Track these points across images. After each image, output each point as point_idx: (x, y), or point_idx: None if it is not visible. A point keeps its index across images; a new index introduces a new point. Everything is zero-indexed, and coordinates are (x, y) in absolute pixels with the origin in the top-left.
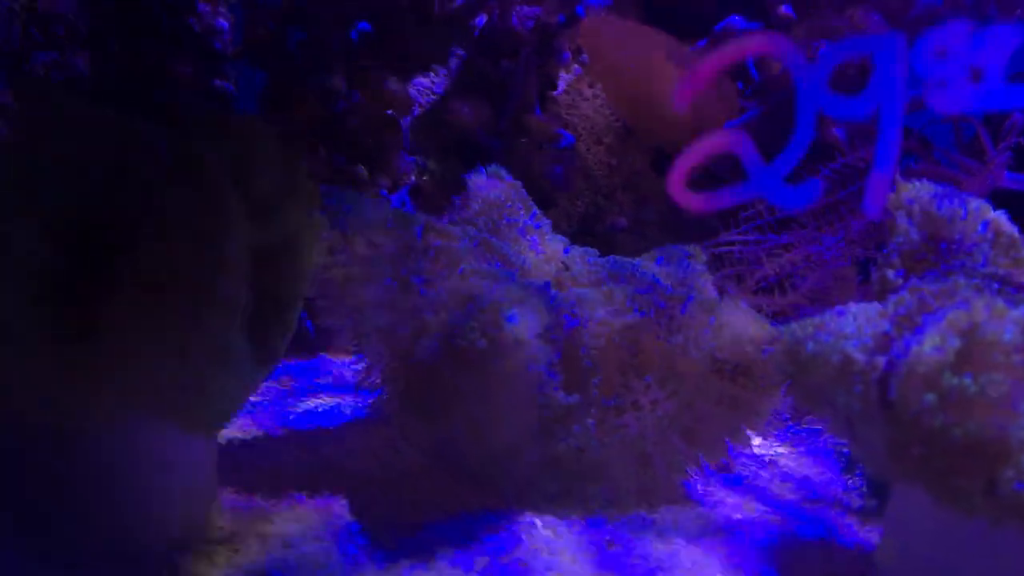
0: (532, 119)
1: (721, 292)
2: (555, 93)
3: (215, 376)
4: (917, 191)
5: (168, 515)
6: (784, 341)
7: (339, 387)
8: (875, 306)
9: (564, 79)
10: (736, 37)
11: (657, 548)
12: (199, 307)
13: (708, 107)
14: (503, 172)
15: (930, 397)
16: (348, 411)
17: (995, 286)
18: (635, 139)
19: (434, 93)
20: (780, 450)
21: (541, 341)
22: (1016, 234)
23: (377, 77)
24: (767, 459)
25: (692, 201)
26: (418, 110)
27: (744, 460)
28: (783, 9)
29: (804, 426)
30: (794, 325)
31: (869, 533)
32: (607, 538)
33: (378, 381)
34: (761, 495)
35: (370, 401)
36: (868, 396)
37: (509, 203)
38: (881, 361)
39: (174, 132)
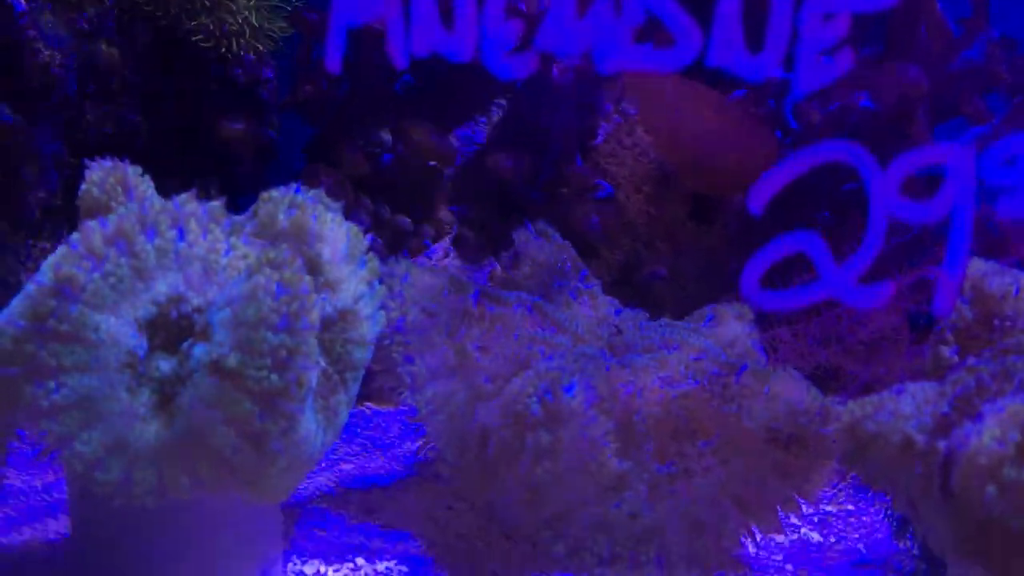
0: (572, 170)
1: (771, 348)
2: (595, 143)
3: (284, 453)
4: (970, 268)
5: None
6: (844, 421)
7: (388, 441)
8: (933, 386)
9: (604, 129)
10: (778, 91)
11: None
12: (273, 394)
13: (750, 156)
14: (551, 231)
15: (991, 489)
16: (400, 467)
17: None
18: (674, 188)
19: (475, 143)
20: (829, 509)
21: (596, 410)
22: None
23: (421, 130)
24: (816, 519)
25: (765, 300)
26: (460, 159)
27: (794, 522)
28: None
29: (848, 481)
30: (853, 404)
31: None
32: None
33: (434, 444)
34: (811, 559)
35: (419, 456)
36: (929, 478)
37: (559, 264)
38: (941, 444)
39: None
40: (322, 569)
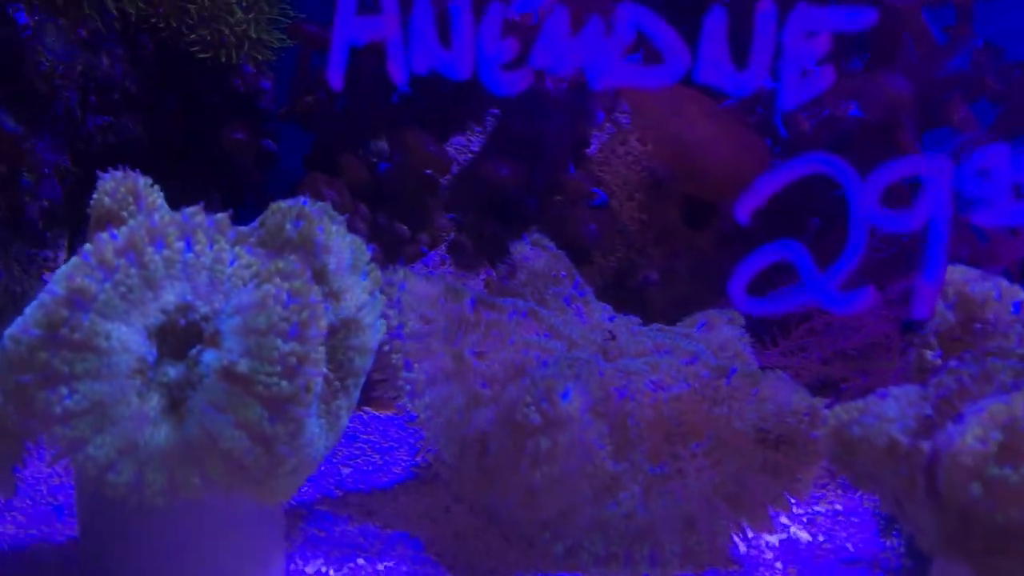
0: (567, 177)
1: (762, 354)
2: (588, 152)
3: (291, 456)
4: (951, 274)
5: None
6: (831, 425)
7: (387, 445)
8: (916, 389)
9: (597, 138)
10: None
11: None
12: (282, 400)
13: (743, 162)
14: (546, 241)
15: (975, 487)
16: (398, 470)
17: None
18: (666, 195)
19: (470, 152)
20: (819, 508)
21: (592, 415)
22: None
23: (417, 138)
24: (805, 519)
25: (752, 306)
26: (455, 168)
27: (784, 521)
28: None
29: (837, 482)
30: (839, 408)
31: None
32: None
33: (433, 448)
34: (801, 558)
35: (417, 459)
36: (914, 479)
37: (554, 272)
38: (925, 445)
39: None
40: (323, 569)
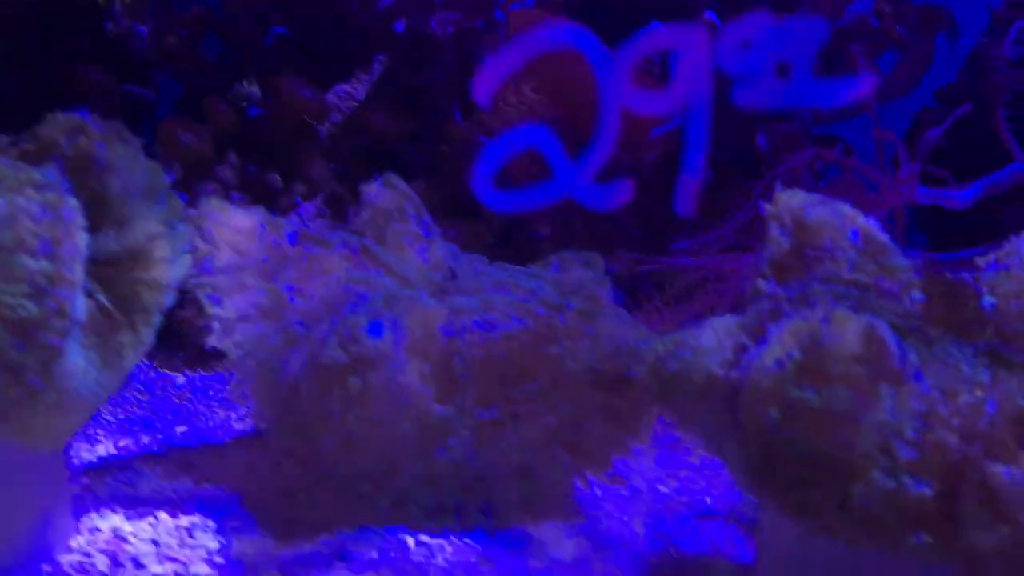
0: (453, 126)
1: (638, 303)
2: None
3: (49, 390)
4: (788, 200)
5: (13, 531)
6: (647, 360)
7: (208, 402)
8: (734, 318)
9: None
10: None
11: (532, 565)
12: (29, 324)
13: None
14: (397, 180)
15: (772, 412)
16: (239, 426)
17: (855, 292)
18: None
19: (355, 100)
20: (692, 460)
21: (409, 353)
22: (886, 241)
23: (291, 83)
24: (666, 474)
25: (498, 201)
26: (339, 117)
27: (641, 473)
28: (707, 15)
29: None
30: (656, 342)
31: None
32: (481, 555)
33: (245, 392)
34: (654, 510)
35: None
36: (727, 413)
37: (398, 211)
38: (735, 374)
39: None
40: (119, 524)
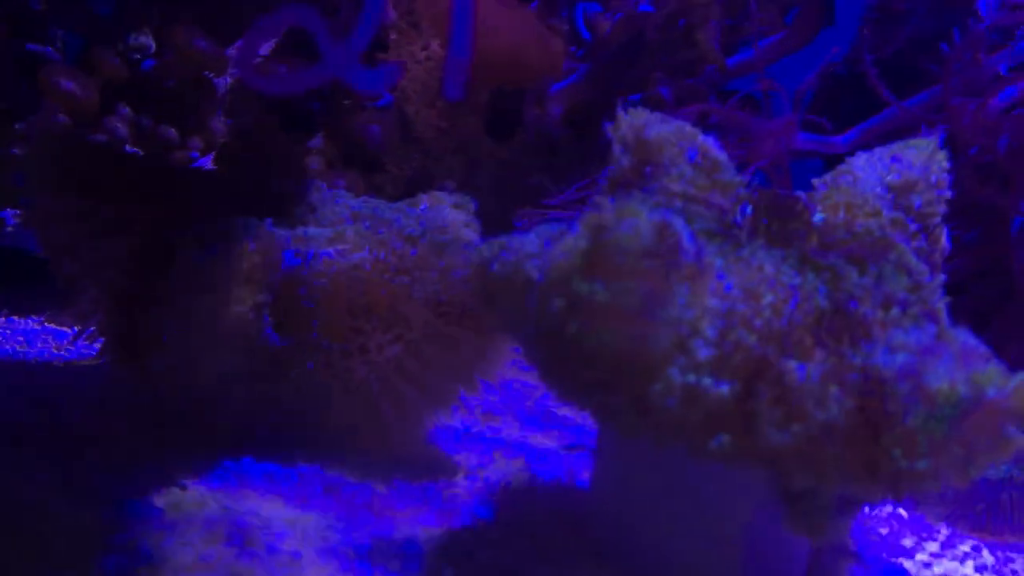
0: None
1: None
2: (383, 55)
3: None
4: (631, 119)
5: None
6: (473, 262)
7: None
8: (560, 225)
9: (393, 40)
10: None
11: (377, 491)
12: None
13: (535, 54)
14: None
15: (558, 303)
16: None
17: (678, 203)
18: (470, 102)
19: (258, 55)
20: None
21: (242, 280)
22: (721, 158)
23: (186, 33)
24: (546, 410)
25: (266, 83)
26: (240, 70)
27: (521, 411)
28: None
29: None
30: (483, 246)
31: None
32: (327, 483)
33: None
34: (518, 443)
35: None
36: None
37: None
38: None
39: None
40: None
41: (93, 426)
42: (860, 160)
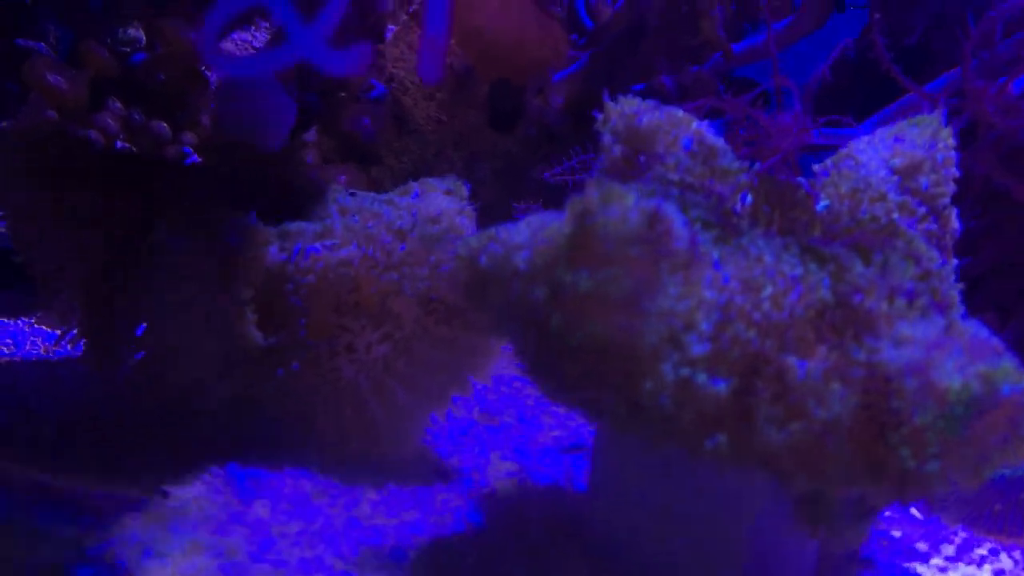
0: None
1: None
2: (382, 46)
3: None
4: (622, 108)
5: None
6: (461, 255)
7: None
8: (552, 214)
9: (392, 31)
10: None
11: (368, 497)
12: None
13: (537, 46)
14: None
15: (540, 292)
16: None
17: (674, 192)
18: (470, 95)
19: (253, 48)
20: None
21: (225, 275)
22: (718, 144)
23: (176, 27)
24: (546, 410)
25: (225, 65)
26: None
27: (519, 410)
28: None
29: None
30: (472, 237)
31: None
32: (315, 488)
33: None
34: (516, 444)
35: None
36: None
37: None
38: None
39: None
40: None
41: (72, 430)
42: (862, 143)
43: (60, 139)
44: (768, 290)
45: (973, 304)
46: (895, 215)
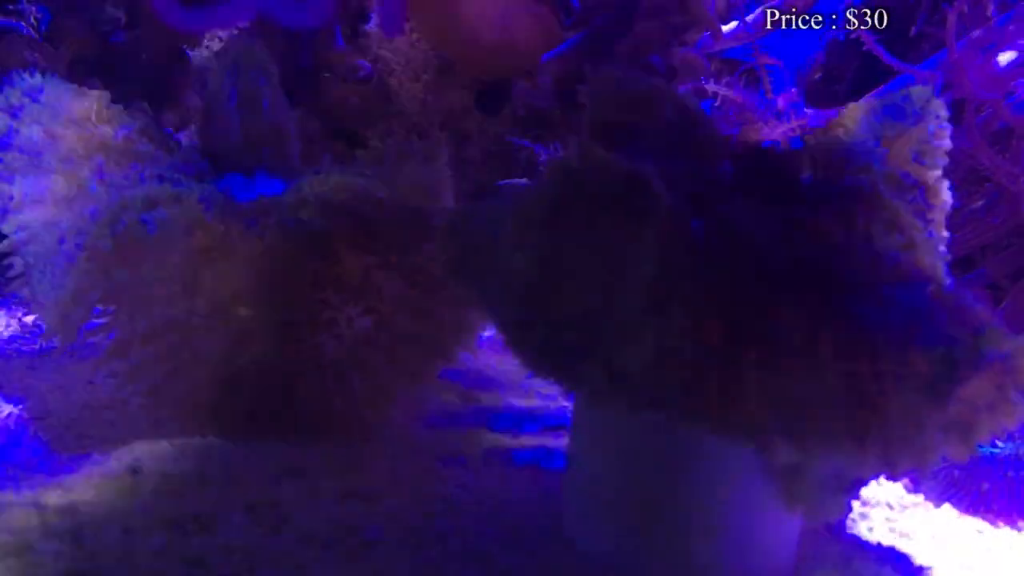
0: (332, 52)
1: None
2: (369, 27)
3: None
4: (604, 78)
5: None
6: (441, 227)
7: None
8: (532, 183)
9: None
10: None
11: (348, 474)
12: None
13: (525, 37)
14: None
15: (519, 257)
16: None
17: (655, 159)
18: (456, 76)
19: (237, 28)
20: None
21: (197, 248)
22: (700, 113)
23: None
24: (528, 388)
25: (184, 20)
26: (219, 45)
27: (502, 388)
28: None
29: None
30: (453, 211)
31: None
32: (291, 469)
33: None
34: (499, 424)
35: None
36: None
37: None
38: None
39: None
40: None
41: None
42: (852, 112)
43: None
44: (750, 257)
45: (964, 285)
46: (880, 186)
